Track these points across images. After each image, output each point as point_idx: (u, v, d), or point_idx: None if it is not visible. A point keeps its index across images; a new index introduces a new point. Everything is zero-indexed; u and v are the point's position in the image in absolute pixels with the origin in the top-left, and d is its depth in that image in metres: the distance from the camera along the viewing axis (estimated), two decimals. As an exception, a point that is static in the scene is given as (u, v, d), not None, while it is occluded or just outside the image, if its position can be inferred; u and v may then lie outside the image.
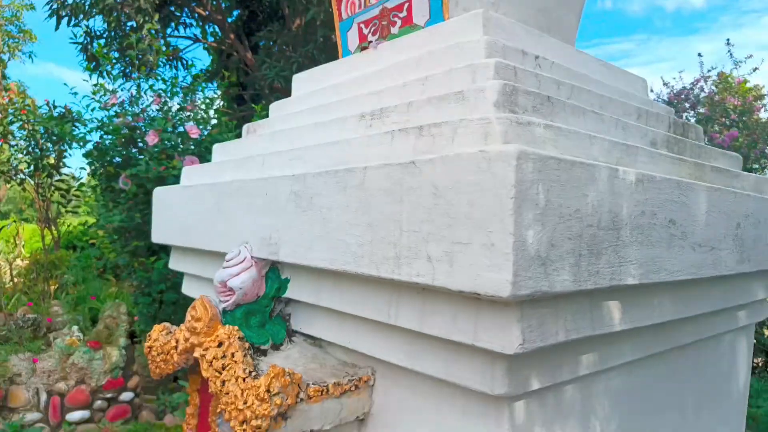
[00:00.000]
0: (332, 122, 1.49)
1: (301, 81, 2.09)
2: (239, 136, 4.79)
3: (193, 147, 4.08)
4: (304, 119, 1.73)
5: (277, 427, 1.15)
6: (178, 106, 4.34)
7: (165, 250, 4.32)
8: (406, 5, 1.72)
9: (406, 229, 0.98)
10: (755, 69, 7.72)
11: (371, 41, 1.83)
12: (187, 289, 2.00)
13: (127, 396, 4.56)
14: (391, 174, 1.02)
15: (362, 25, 1.91)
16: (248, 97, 10.11)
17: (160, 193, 2.04)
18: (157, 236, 2.03)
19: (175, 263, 2.03)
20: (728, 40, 8.88)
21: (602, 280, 0.99)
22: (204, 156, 4.15)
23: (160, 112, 4.26)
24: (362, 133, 1.38)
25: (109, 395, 4.46)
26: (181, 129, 4.12)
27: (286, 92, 9.39)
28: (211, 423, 1.43)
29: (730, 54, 7.90)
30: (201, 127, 4.10)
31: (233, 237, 1.52)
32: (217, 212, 1.61)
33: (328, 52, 8.29)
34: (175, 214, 1.89)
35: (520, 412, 1.03)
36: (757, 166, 6.91)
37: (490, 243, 0.84)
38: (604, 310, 1.08)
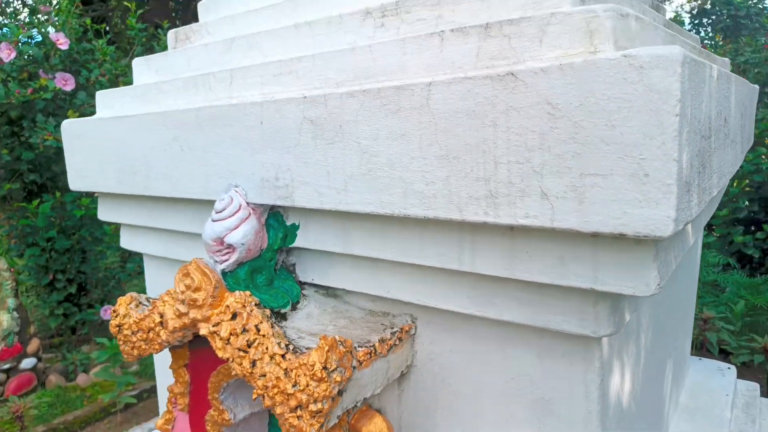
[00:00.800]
0: (321, 23, 1.19)
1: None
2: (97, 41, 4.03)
3: (60, 61, 3.33)
4: (271, 20, 1.38)
5: (335, 406, 0.98)
6: (28, 9, 3.47)
7: (45, 189, 3.67)
8: None
9: (505, 160, 0.79)
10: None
11: None
12: (129, 242, 1.66)
13: (28, 363, 4.03)
14: (476, 91, 0.80)
15: None
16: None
17: (73, 128, 1.60)
18: (79, 182, 1.61)
19: (107, 213, 1.66)
20: None
21: (707, 196, 0.88)
22: (79, 72, 3.43)
23: (7, 19, 3.39)
24: (373, 36, 1.11)
25: (7, 366, 3.91)
26: (39, 39, 3.33)
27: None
28: (212, 401, 1.22)
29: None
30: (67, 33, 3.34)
31: (211, 179, 1.22)
32: (178, 150, 1.27)
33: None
34: (104, 155, 1.50)
35: (607, 347, 0.95)
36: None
37: (643, 173, 0.68)
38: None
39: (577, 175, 0.73)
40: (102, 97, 1.63)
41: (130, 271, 4.04)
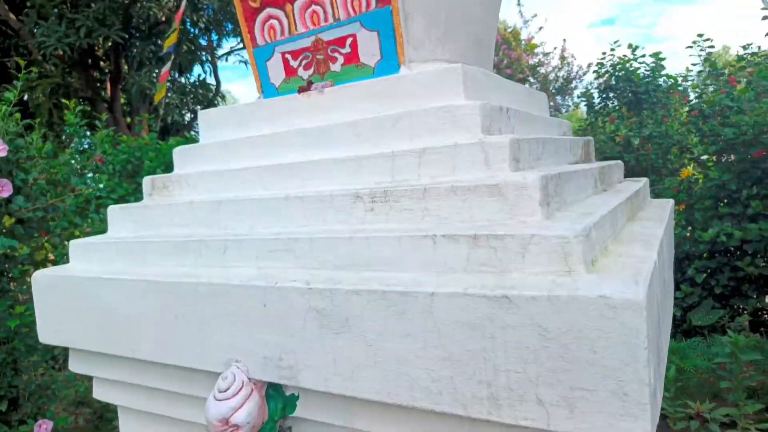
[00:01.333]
0: (312, 199, 1.30)
1: (212, 121, 1.76)
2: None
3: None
4: (255, 186, 1.47)
5: None
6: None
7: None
8: (350, 40, 1.54)
9: (504, 368, 0.92)
10: (540, 28, 8.76)
11: (310, 81, 1.61)
12: (103, 394, 1.64)
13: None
14: (474, 307, 0.93)
15: (288, 56, 1.66)
16: (11, 65, 8.27)
17: (46, 281, 1.59)
18: (51, 336, 1.59)
19: (80, 366, 1.63)
20: (518, 0, 9.89)
21: (660, 392, 1.05)
22: (13, 173, 3.30)
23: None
24: (363, 218, 1.23)
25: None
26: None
27: (73, 63, 7.95)
28: None
29: (521, 13, 8.82)
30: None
31: (208, 351, 1.26)
32: (172, 319, 1.31)
33: (133, 22, 7.13)
34: (84, 313, 1.50)
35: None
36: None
37: (622, 392, 0.83)
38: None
39: (567, 388, 0.87)
40: (77, 248, 1.63)
41: (65, 378, 3.81)
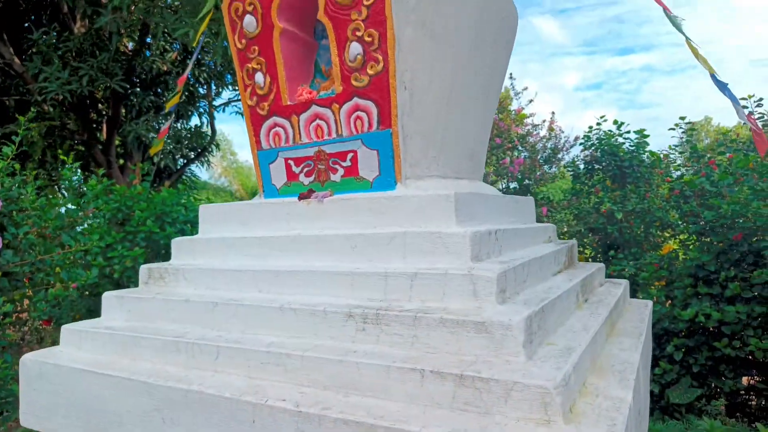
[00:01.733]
0: (305, 313, 1.35)
1: (212, 215, 1.84)
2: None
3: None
4: (250, 287, 1.53)
5: None
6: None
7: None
8: (350, 155, 1.64)
9: None
10: (531, 101, 9.13)
11: (311, 189, 1.69)
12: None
13: None
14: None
15: (291, 162, 1.75)
16: (11, 103, 8.38)
17: (36, 367, 1.60)
18: (33, 421, 1.60)
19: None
20: (510, 74, 10.29)
21: None
22: (4, 227, 3.32)
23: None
24: (354, 337, 1.29)
25: None
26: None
27: (72, 106, 8.06)
28: None
29: (512, 86, 9.19)
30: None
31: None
32: (160, 421, 1.34)
33: (130, 67, 7.32)
34: (70, 404, 1.51)
35: None
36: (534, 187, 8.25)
37: None
38: None
39: None
40: (69, 333, 1.66)
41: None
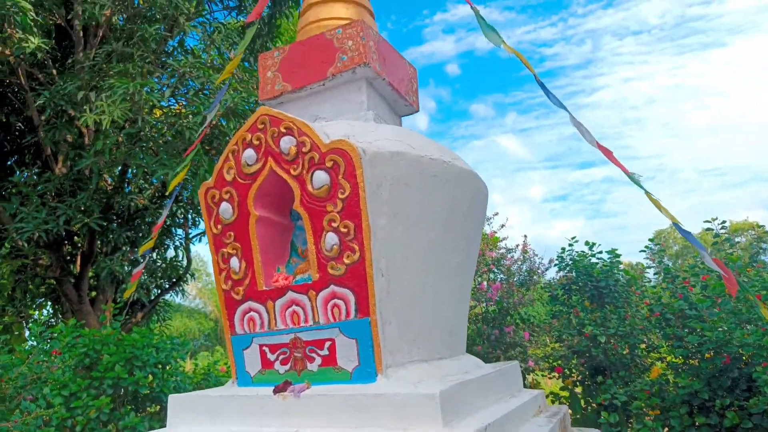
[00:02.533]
0: None
1: (182, 407, 1.72)
2: None
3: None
4: None
5: None
6: None
7: None
8: (328, 344, 1.58)
9: None
10: (502, 225, 9.37)
11: (287, 381, 1.60)
12: None
13: None
14: None
15: (266, 349, 1.68)
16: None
17: None
18: None
19: None
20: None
21: None
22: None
23: None
24: None
25: None
26: None
27: (47, 244, 7.96)
28: None
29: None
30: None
31: None
32: None
33: (112, 207, 7.36)
34: None
35: None
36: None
37: None
38: None
39: None
40: None
41: None
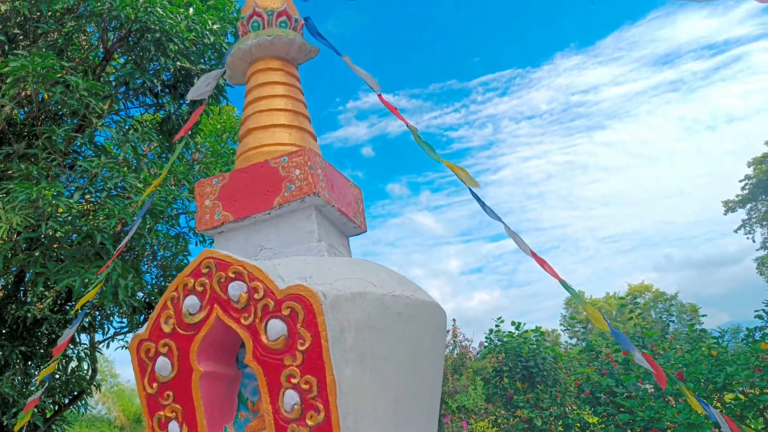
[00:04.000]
0: None
1: None
2: None
3: None
4: None
5: None
6: None
7: None
8: None
9: None
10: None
11: None
12: None
13: None
14: None
15: None
16: None
17: None
18: None
19: None
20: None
21: None
22: None
23: None
24: None
25: None
26: None
27: None
28: None
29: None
30: None
31: None
32: None
33: None
34: None
35: None
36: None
37: None
38: None
39: None
40: None
41: None
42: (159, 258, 7.97)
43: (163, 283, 7.65)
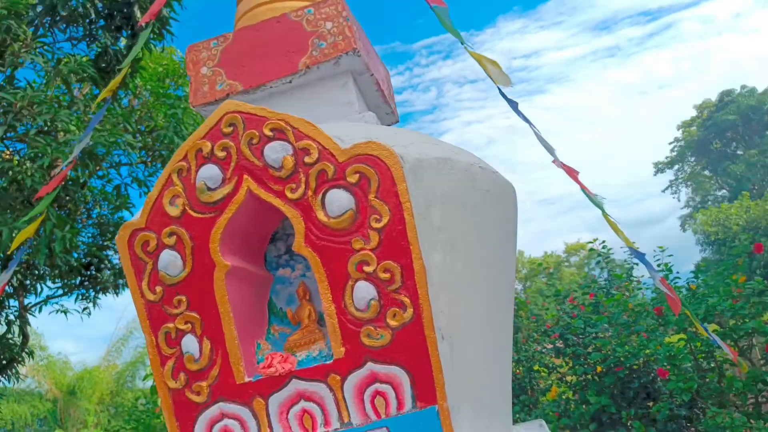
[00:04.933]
0: None
1: None
2: None
3: None
4: None
5: None
6: None
7: None
8: None
9: None
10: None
11: None
12: None
13: None
14: None
15: None
16: None
17: None
18: None
19: None
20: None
21: None
22: None
23: None
24: None
25: None
26: None
27: None
28: None
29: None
30: None
31: None
32: None
33: None
34: None
35: None
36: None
37: None
38: None
39: None
40: None
41: None
42: (95, 216, 7.22)
43: (101, 243, 6.94)
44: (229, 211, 1.10)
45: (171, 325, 1.10)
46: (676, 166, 22.74)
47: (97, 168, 5.52)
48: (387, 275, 1.02)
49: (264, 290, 1.22)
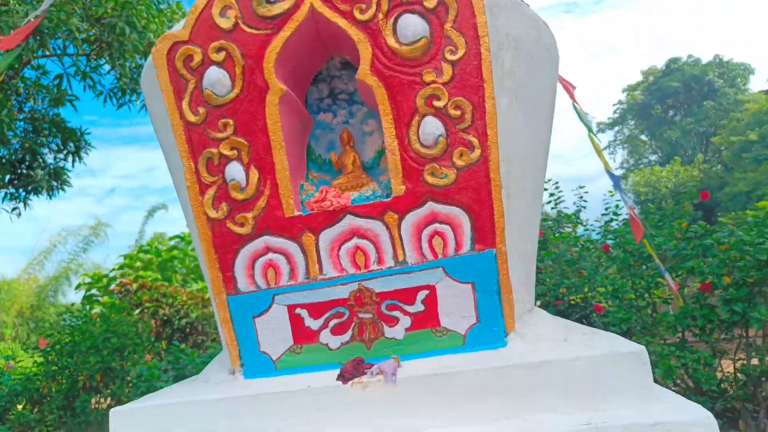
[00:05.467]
0: None
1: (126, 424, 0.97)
2: None
3: None
4: None
5: None
6: None
7: None
8: (422, 294, 1.02)
9: None
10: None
11: (359, 361, 0.99)
12: None
13: None
14: None
15: (303, 312, 1.04)
16: None
17: None
18: None
19: None
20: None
21: None
22: None
23: None
24: None
25: None
26: None
27: None
28: None
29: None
30: None
31: None
32: None
33: None
34: None
35: None
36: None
37: None
38: None
39: None
40: None
41: None
42: (27, 110, 6.66)
43: (33, 139, 6.44)
44: (288, 29, 1.00)
45: (214, 150, 1.02)
46: (617, 128, 23.51)
47: (41, 48, 5.00)
48: (458, 112, 0.97)
49: (306, 130, 1.15)
